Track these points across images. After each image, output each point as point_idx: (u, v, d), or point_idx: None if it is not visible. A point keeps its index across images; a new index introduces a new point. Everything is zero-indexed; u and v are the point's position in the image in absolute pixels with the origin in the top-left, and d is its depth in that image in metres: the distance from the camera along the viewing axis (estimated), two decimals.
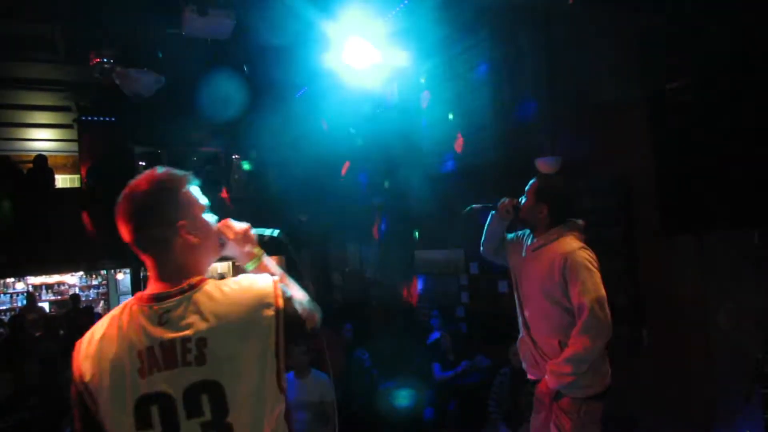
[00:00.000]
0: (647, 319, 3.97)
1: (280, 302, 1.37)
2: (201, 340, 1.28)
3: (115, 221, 1.41)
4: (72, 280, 13.61)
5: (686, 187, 2.85)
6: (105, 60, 5.60)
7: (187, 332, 1.29)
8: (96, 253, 8.81)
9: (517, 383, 4.63)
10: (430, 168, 6.34)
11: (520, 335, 2.94)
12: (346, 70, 5.58)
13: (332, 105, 7.30)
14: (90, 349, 1.34)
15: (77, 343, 1.39)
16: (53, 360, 5.87)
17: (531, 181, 2.92)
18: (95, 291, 14.08)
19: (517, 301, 2.94)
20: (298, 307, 1.42)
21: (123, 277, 13.61)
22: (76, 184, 11.74)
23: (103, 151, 9.76)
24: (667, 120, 2.89)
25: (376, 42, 5.61)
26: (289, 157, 8.88)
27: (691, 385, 3.65)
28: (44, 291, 13.15)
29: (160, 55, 5.59)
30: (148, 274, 1.42)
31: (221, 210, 1.56)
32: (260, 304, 1.35)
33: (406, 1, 5.54)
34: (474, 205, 3.08)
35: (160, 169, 1.45)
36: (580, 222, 2.83)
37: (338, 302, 8.49)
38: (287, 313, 1.37)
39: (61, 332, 8.40)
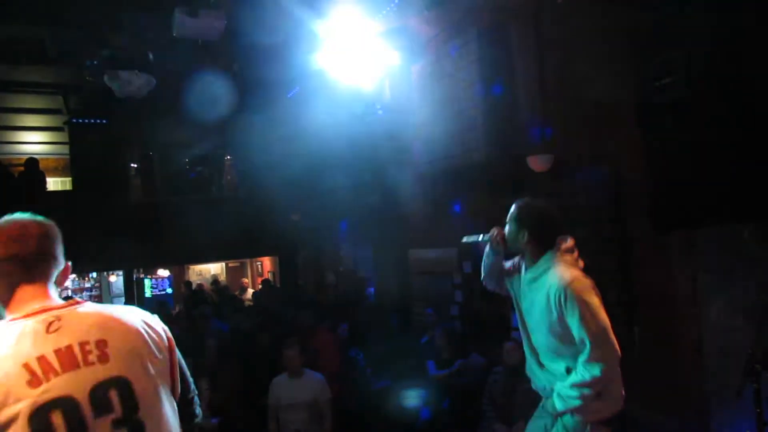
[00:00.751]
0: (639, 317, 3.99)
1: (170, 337, 1.50)
2: (101, 342, 1.32)
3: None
4: (65, 282, 13.53)
5: (677, 185, 2.87)
6: (95, 62, 5.58)
7: (83, 336, 1.31)
8: (88, 255, 8.78)
9: (511, 381, 4.64)
10: (422, 167, 6.35)
11: (527, 359, 2.86)
12: (336, 70, 5.57)
13: (323, 105, 7.29)
14: None
15: None
16: None
17: (511, 208, 2.79)
18: (87, 293, 14.02)
19: (521, 327, 2.84)
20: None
21: (115, 279, 13.56)
22: (68, 187, 11.67)
23: (95, 153, 9.71)
24: (656, 117, 2.91)
25: (367, 41, 5.61)
26: (280, 157, 8.86)
27: (683, 381, 3.67)
28: None
29: (151, 57, 5.56)
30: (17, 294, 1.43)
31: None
32: (149, 318, 1.49)
33: (396, 1, 5.55)
34: (465, 239, 3.05)
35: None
36: (569, 242, 2.68)
37: (331, 301, 8.49)
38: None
39: None
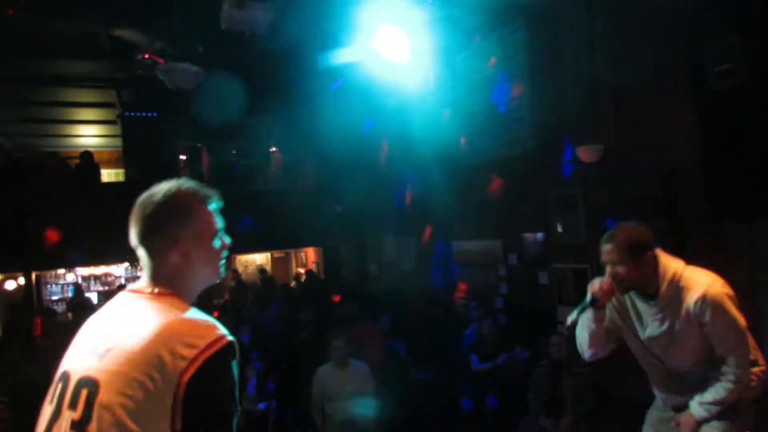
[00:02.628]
0: None
1: (194, 372, 1.16)
2: (118, 343, 1.23)
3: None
4: (118, 271, 14.03)
5: (734, 174, 2.75)
6: (147, 56, 5.74)
7: (110, 328, 1.29)
8: None
9: (556, 375, 4.57)
10: (468, 158, 6.29)
11: (660, 389, 2.68)
12: (380, 61, 5.56)
13: (368, 96, 7.30)
14: None
15: None
16: None
17: (606, 246, 2.45)
18: None
19: (644, 358, 2.63)
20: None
21: None
22: (121, 178, 12.10)
23: (146, 145, 10.01)
24: (714, 104, 2.79)
25: (412, 31, 5.57)
26: (325, 150, 8.93)
27: None
28: (92, 282, 13.61)
29: (201, 49, 5.69)
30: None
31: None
32: (183, 343, 1.18)
33: None
34: (569, 320, 2.61)
35: (184, 183, 1.44)
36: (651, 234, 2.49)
37: (375, 293, 8.53)
38: (197, 381, 1.15)
39: None
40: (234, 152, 11.67)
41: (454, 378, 5.25)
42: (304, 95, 8.63)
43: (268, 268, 15.75)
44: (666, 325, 2.41)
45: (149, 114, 10.14)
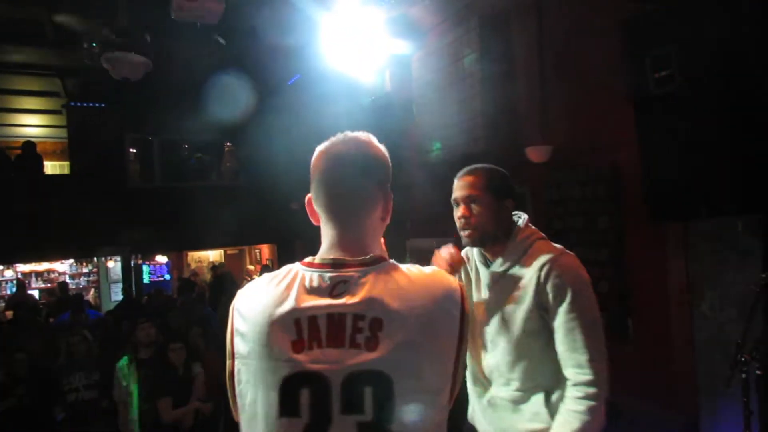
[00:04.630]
0: (633, 307, 4.03)
1: (467, 306, 1.17)
2: (376, 321, 1.07)
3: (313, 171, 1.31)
4: (62, 267, 13.58)
5: (672, 176, 2.89)
6: (93, 44, 5.56)
7: (361, 308, 1.09)
8: (87, 240, 8.79)
9: None
10: (422, 157, 6.36)
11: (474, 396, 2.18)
12: (337, 59, 5.56)
13: (324, 94, 7.28)
14: (245, 310, 1.18)
15: (235, 300, 1.23)
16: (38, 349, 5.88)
17: (466, 178, 2.16)
18: (85, 279, 14.05)
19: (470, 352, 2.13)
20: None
21: (114, 264, 13.59)
22: (66, 171, 11.69)
23: (93, 137, 9.69)
24: (652, 109, 2.92)
25: (369, 30, 5.59)
26: (280, 146, 8.86)
27: (675, 371, 3.72)
28: (33, 279, 13.10)
29: (149, 39, 5.55)
30: (324, 239, 1.28)
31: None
32: (448, 298, 1.15)
33: None
34: None
35: (367, 134, 1.38)
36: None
37: None
38: (467, 321, 1.18)
39: (51, 319, 8.39)
40: (187, 146, 11.44)
41: None
42: (260, 91, 8.53)
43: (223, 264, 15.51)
44: (500, 298, 2.01)
45: (96, 105, 9.81)
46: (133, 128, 10.35)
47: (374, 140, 1.35)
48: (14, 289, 12.14)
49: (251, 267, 14.65)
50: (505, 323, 1.98)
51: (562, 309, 1.86)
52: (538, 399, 1.95)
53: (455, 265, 2.11)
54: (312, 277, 1.15)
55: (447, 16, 5.82)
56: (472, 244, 2.11)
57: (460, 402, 2.12)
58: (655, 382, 3.81)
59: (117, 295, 12.53)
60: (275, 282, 1.18)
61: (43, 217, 8.38)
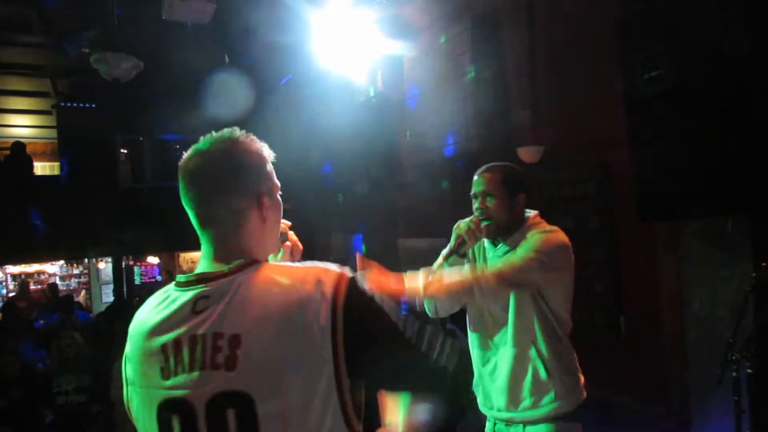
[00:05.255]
0: (625, 306, 4.04)
1: (340, 299, 1.04)
2: (234, 338, 1.00)
3: (183, 184, 1.19)
4: (52, 269, 13.48)
5: (662, 176, 2.90)
6: (83, 44, 5.52)
7: (219, 326, 1.02)
8: (77, 241, 8.72)
9: None
10: (414, 157, 6.36)
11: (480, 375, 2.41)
12: (329, 59, 5.56)
13: (316, 94, 7.27)
14: (131, 335, 1.16)
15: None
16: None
17: (485, 174, 2.38)
18: (76, 280, 13.96)
19: (476, 330, 2.41)
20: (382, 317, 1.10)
21: (105, 266, 13.51)
22: (56, 172, 11.60)
23: (84, 138, 9.62)
24: (643, 109, 2.94)
25: (360, 30, 5.59)
26: (271, 146, 8.83)
27: (665, 370, 3.73)
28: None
29: (139, 40, 5.52)
30: (201, 252, 1.20)
31: None
32: (315, 302, 1.03)
33: None
34: (444, 255, 2.31)
35: (237, 132, 1.26)
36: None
37: None
38: (350, 314, 1.04)
39: (42, 321, 8.33)
40: (178, 146, 11.38)
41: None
42: (251, 91, 8.51)
43: None
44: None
45: (87, 105, 9.74)
46: (124, 128, 10.29)
47: (240, 141, 1.23)
48: (3, 291, 12.05)
49: None
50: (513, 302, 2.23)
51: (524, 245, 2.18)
52: (533, 353, 2.20)
53: (474, 234, 2.28)
54: (179, 297, 1.10)
55: (439, 16, 5.82)
56: (488, 235, 2.33)
57: (464, 373, 2.23)
58: (646, 380, 3.83)
59: (108, 296, 12.45)
60: (152, 304, 1.15)
61: (33, 218, 8.32)
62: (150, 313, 1.13)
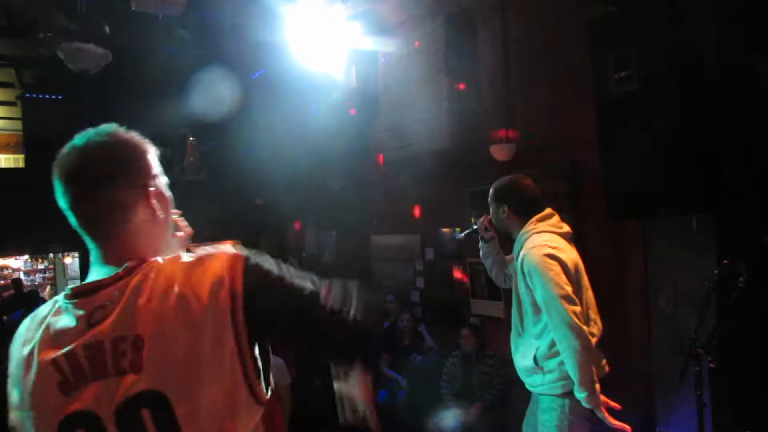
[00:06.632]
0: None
1: (238, 280, 1.02)
2: (137, 339, 0.97)
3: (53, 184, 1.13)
4: (16, 263, 13.14)
5: (630, 175, 2.96)
6: (49, 34, 5.37)
7: (119, 330, 0.99)
8: (42, 235, 8.51)
9: (467, 365, 4.75)
10: (388, 154, 6.36)
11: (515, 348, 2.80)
12: (301, 54, 5.51)
13: (289, 89, 7.21)
14: (12, 354, 1.09)
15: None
16: None
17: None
18: (41, 275, 13.63)
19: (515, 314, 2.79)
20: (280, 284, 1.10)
21: (71, 261, 13.21)
22: (21, 164, 11.27)
23: (50, 129, 9.37)
24: (612, 110, 2.99)
25: (334, 26, 5.56)
26: (244, 140, 8.75)
27: (632, 365, 3.82)
28: None
29: (108, 30, 5.39)
30: (90, 258, 1.13)
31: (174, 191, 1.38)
32: (213, 285, 1.02)
33: None
34: (460, 234, 3.04)
35: (115, 126, 1.20)
36: (548, 210, 2.71)
37: None
38: (248, 291, 1.03)
39: (5, 317, 8.11)
40: (148, 140, 11.18)
41: (371, 370, 5.32)
42: (223, 85, 8.39)
43: None
44: (514, 279, 2.70)
45: (53, 96, 9.49)
46: (92, 121, 10.02)
47: (118, 134, 1.19)
48: None
49: None
50: (516, 289, 2.69)
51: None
52: (530, 335, 2.63)
53: (483, 226, 2.85)
54: (68, 309, 1.04)
55: (413, 13, 5.83)
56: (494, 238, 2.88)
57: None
58: (612, 376, 3.90)
59: None
60: (36, 321, 1.08)
61: None
62: (37, 330, 1.06)
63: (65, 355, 0.99)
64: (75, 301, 1.05)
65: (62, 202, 1.11)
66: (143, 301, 1.00)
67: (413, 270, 6.40)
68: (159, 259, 1.08)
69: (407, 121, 5.74)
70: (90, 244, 1.12)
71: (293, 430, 4.52)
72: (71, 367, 0.99)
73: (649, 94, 2.72)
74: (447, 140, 5.19)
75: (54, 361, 1.00)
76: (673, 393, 3.44)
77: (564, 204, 4.26)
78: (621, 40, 2.86)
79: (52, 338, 1.03)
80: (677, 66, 2.61)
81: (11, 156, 12.26)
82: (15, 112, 10.42)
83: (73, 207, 1.09)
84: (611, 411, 2.39)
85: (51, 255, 13.23)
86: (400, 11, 5.95)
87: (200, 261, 1.06)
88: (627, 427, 2.32)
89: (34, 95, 9.49)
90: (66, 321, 1.03)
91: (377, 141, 6.56)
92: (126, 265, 1.05)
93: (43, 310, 1.11)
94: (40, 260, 13.53)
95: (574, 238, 4.19)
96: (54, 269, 13.58)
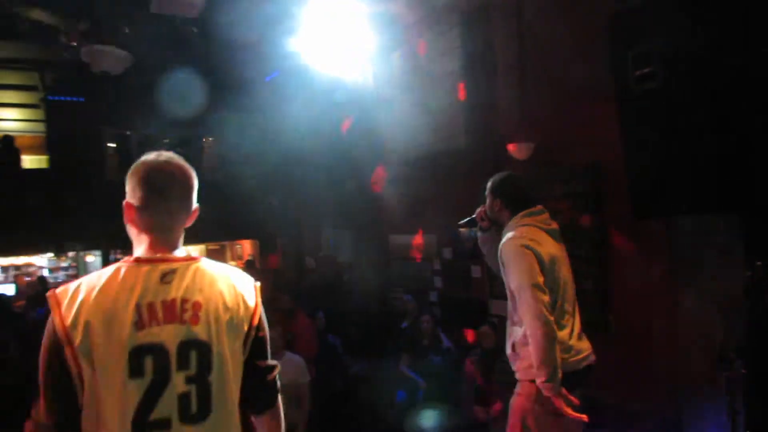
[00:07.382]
0: (614, 303, 4.05)
1: (258, 309, 1.59)
2: (196, 304, 1.47)
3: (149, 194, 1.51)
4: (40, 261, 13.35)
5: (654, 173, 2.90)
6: (71, 37, 5.44)
7: (186, 294, 1.47)
8: (64, 235, 8.64)
9: (488, 364, 4.71)
10: (404, 153, 6.34)
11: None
12: (316, 56, 5.52)
13: (304, 90, 7.22)
14: (77, 303, 1.40)
15: (54, 297, 1.44)
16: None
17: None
18: (64, 273, 13.83)
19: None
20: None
21: (93, 259, 13.38)
22: (44, 165, 11.46)
23: (72, 131, 9.51)
24: (635, 106, 2.93)
25: (349, 26, 5.55)
26: (261, 141, 8.78)
27: (656, 368, 3.74)
28: (12, 272, 12.90)
29: (128, 32, 5.45)
30: (142, 240, 1.54)
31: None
32: (245, 291, 1.58)
33: None
34: (460, 222, 3.09)
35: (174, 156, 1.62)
36: (538, 207, 2.77)
37: (311, 287, 8.48)
38: (259, 324, 1.59)
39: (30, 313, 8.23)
40: (166, 141, 11.28)
41: (390, 370, 5.31)
42: (240, 87, 8.45)
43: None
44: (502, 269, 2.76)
45: (75, 99, 9.63)
46: (112, 123, 10.17)
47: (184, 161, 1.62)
48: None
49: (233, 263, 14.52)
50: (505, 279, 2.72)
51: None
52: (513, 323, 2.71)
53: (478, 216, 2.92)
54: (142, 270, 1.46)
55: (428, 12, 5.79)
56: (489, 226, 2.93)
57: None
58: (636, 378, 3.84)
59: None
60: (106, 278, 1.45)
61: (21, 211, 8.23)
62: (106, 282, 1.43)
63: (148, 304, 1.42)
64: (150, 265, 1.48)
65: (155, 199, 1.52)
66: (200, 282, 1.51)
67: (431, 270, 6.37)
68: (205, 259, 1.59)
69: (423, 120, 5.72)
70: (152, 230, 1.53)
71: (312, 428, 4.52)
72: (149, 312, 1.41)
73: (672, 90, 2.66)
74: (464, 139, 5.16)
75: (137, 306, 1.41)
76: (700, 397, 3.37)
77: (586, 203, 4.20)
78: (643, 36, 2.80)
79: (133, 288, 1.43)
80: (701, 63, 2.55)
81: (35, 157, 12.47)
82: (38, 114, 10.60)
83: (160, 201, 1.52)
84: (572, 405, 2.40)
85: (73, 253, 13.41)
86: (415, 11, 5.91)
87: (240, 276, 1.62)
88: (584, 417, 2.40)
89: (57, 98, 9.64)
90: (141, 277, 1.45)
91: (394, 141, 6.54)
92: (188, 254, 1.56)
93: (107, 270, 1.48)
94: (63, 258, 13.74)
95: (597, 237, 4.16)
96: (76, 267, 13.77)
